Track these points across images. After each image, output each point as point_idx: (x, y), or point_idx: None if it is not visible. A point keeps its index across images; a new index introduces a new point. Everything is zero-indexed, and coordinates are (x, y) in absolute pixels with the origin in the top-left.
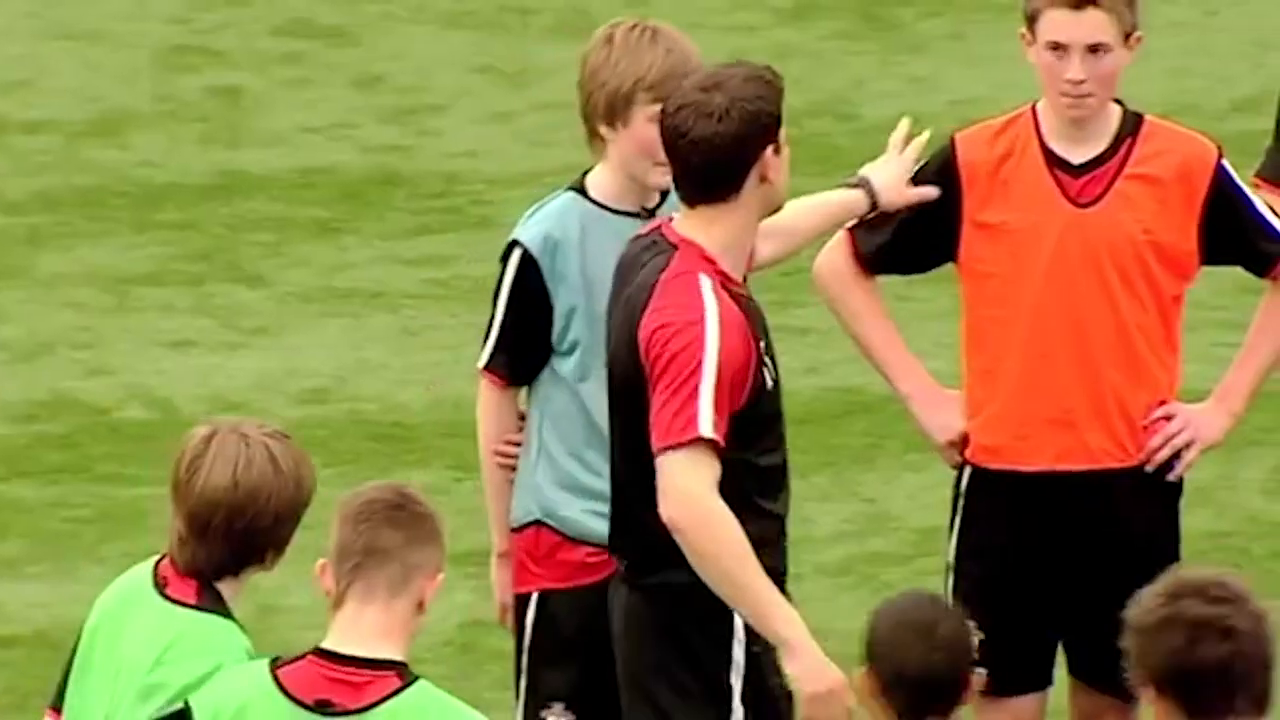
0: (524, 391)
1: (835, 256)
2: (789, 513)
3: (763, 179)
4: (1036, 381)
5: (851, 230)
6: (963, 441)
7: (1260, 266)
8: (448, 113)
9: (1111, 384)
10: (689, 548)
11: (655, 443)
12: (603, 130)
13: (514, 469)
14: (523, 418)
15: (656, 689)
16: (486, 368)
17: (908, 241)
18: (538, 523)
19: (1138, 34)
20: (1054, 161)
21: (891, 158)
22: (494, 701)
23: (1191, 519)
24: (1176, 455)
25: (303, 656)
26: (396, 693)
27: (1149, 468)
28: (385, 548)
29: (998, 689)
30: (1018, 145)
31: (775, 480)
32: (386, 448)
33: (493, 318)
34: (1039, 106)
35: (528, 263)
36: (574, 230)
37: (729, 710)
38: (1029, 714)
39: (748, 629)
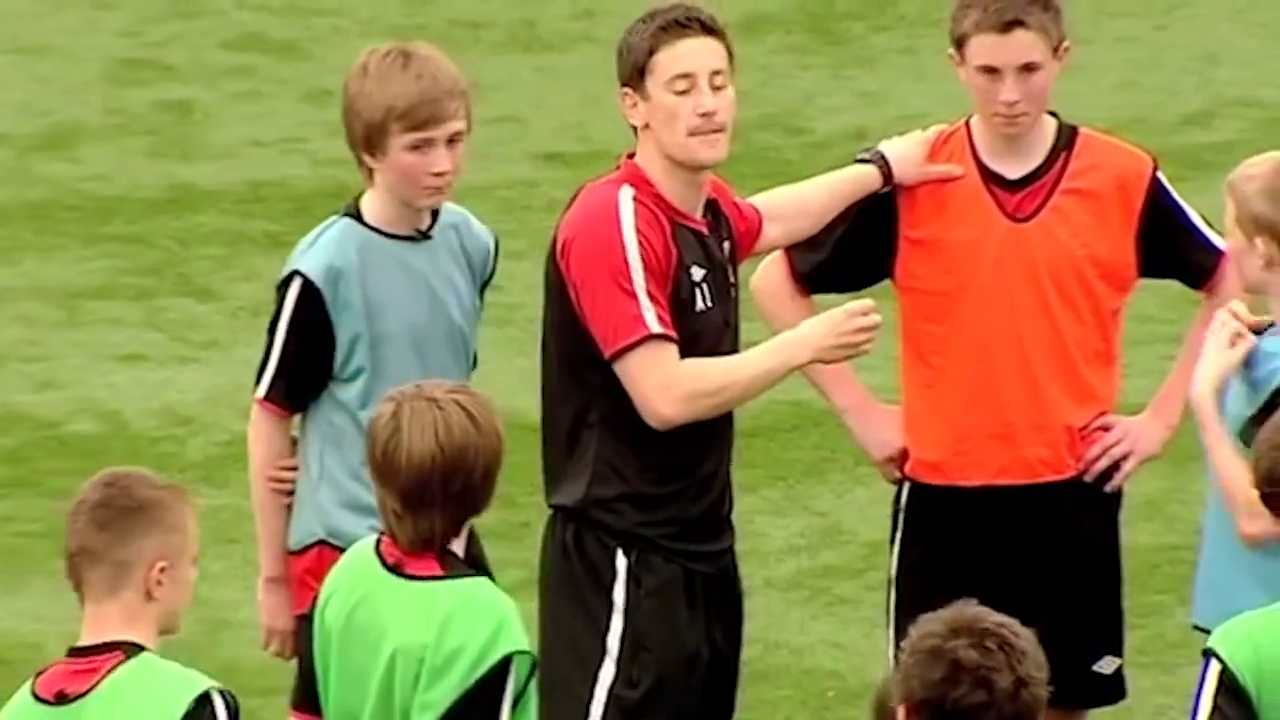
0: (296, 417)
1: (772, 275)
2: (719, 461)
3: (645, 125)
4: (976, 397)
5: (788, 249)
6: (901, 457)
7: (1196, 279)
8: None
9: (1051, 398)
10: (709, 415)
11: (606, 348)
12: (366, 159)
13: (288, 494)
14: (294, 442)
15: (555, 603)
16: (266, 398)
17: (844, 259)
18: (321, 542)
19: (1065, 44)
20: (990, 177)
21: (912, 134)
22: None
23: (1141, 533)
24: (1115, 466)
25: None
26: (116, 667)
27: (1087, 478)
28: (92, 548)
29: None
30: (953, 162)
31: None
32: None
33: (270, 347)
34: (973, 122)
35: (309, 293)
36: (353, 257)
37: (609, 617)
38: None
39: (629, 576)
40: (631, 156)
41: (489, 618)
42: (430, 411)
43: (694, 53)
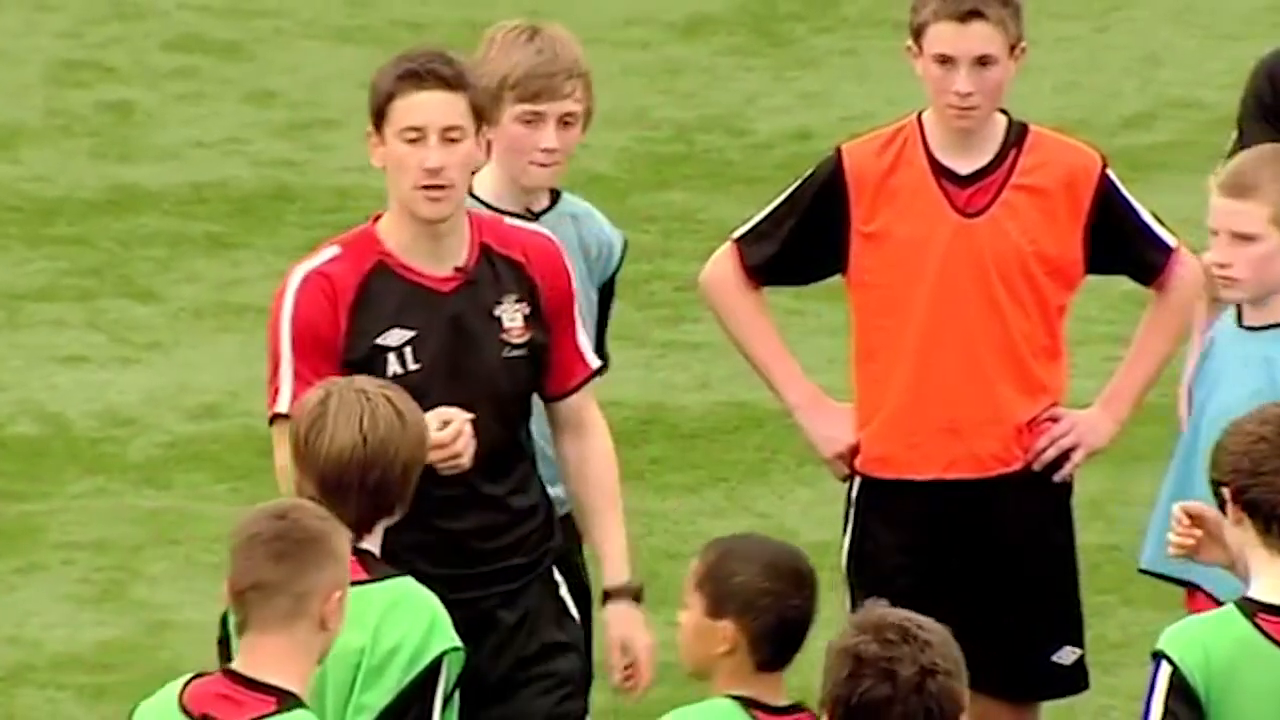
0: None
1: (722, 267)
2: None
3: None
4: (925, 391)
5: (738, 241)
6: (851, 453)
7: (1146, 275)
8: (340, 128)
9: (999, 392)
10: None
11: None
12: (483, 128)
13: None
14: None
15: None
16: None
17: (795, 253)
18: None
19: (1023, 44)
20: (941, 172)
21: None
22: None
23: (1084, 533)
24: (1064, 456)
25: (219, 673)
26: (266, 716)
27: (1035, 467)
28: (270, 582)
29: None
30: (904, 156)
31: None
32: None
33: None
34: (925, 117)
35: None
36: None
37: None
38: None
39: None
40: None
41: (421, 616)
42: (358, 402)
43: (426, 106)
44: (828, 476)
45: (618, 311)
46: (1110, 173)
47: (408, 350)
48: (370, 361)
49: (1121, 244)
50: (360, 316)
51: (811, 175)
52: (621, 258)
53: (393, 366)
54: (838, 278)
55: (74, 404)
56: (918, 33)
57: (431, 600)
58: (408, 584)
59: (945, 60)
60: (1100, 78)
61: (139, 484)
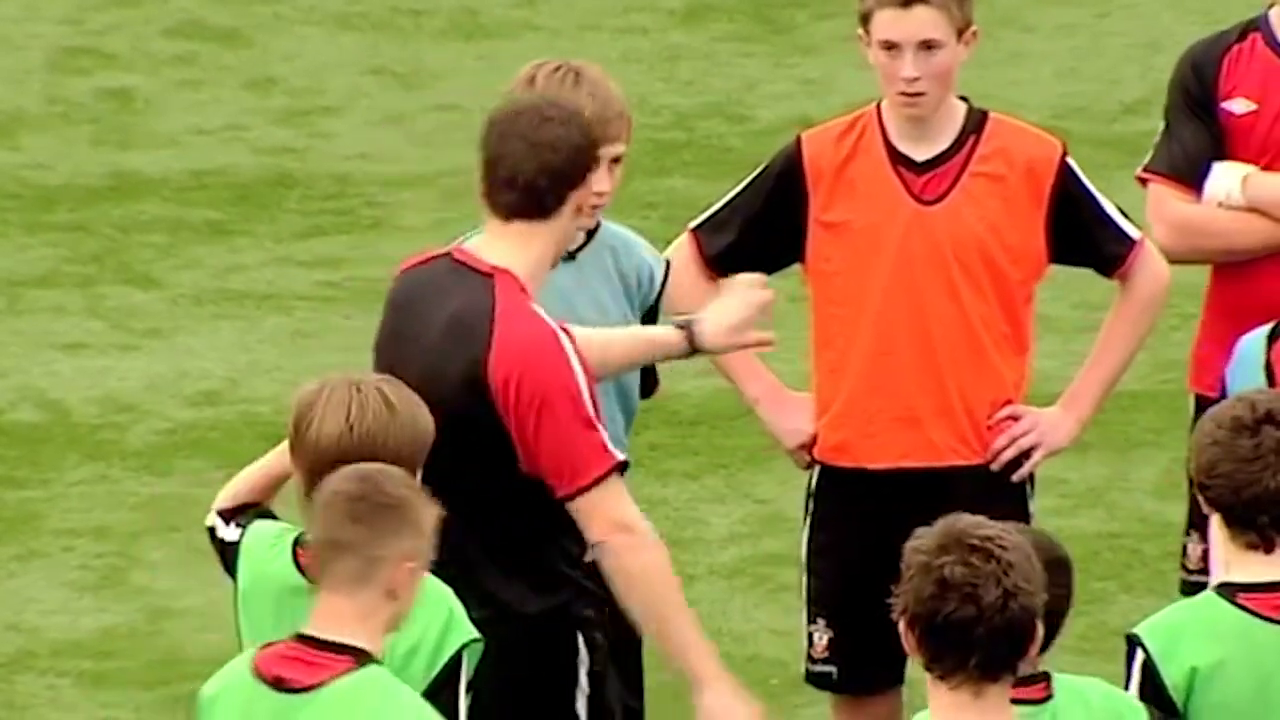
0: None
1: (680, 257)
2: None
3: (578, 208)
4: (881, 379)
5: (695, 230)
6: (812, 443)
7: (1107, 266)
8: (340, 114)
9: (956, 381)
10: (627, 573)
11: (568, 485)
12: None
13: None
14: None
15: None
16: None
17: (753, 242)
18: None
19: (973, 29)
20: (897, 159)
21: (736, 295)
22: None
23: (1083, 520)
24: (1025, 455)
25: (288, 639)
26: (343, 674)
27: (993, 466)
28: (345, 541)
29: (851, 688)
30: (862, 144)
31: None
32: None
33: None
34: (884, 105)
35: None
36: None
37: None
38: (884, 713)
39: (590, 649)
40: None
41: (439, 611)
42: (348, 393)
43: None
44: None
45: None
46: (1070, 161)
47: None
48: None
49: (1082, 234)
50: None
51: (770, 164)
52: (664, 284)
53: None
54: None
55: (74, 391)
56: (865, 19)
57: (446, 594)
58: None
59: (890, 46)
60: (1100, 64)
61: (139, 470)
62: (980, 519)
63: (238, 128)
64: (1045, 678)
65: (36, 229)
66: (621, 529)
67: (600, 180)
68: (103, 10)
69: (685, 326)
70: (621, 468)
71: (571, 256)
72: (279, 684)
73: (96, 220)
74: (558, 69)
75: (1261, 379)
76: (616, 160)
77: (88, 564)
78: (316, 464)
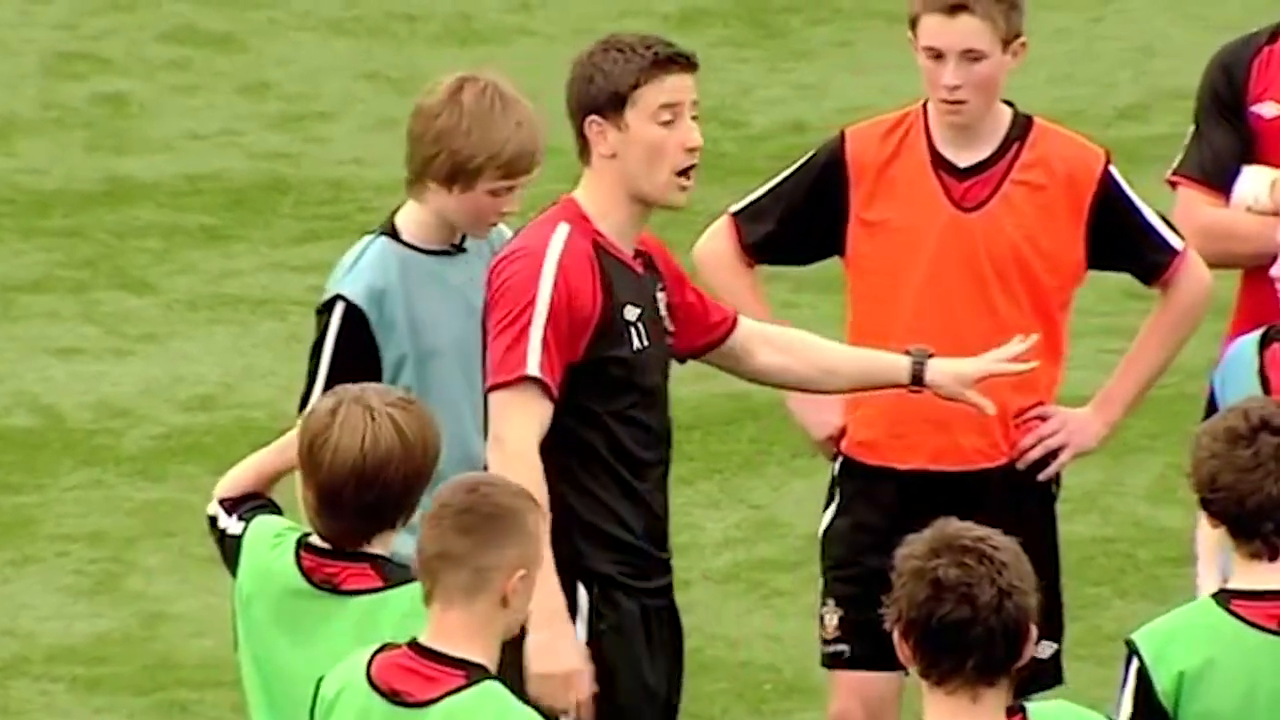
0: None
1: (718, 244)
2: (657, 489)
3: (611, 154)
4: None
5: (735, 216)
6: (840, 436)
7: (1147, 274)
8: (335, 119)
9: (987, 386)
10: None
11: (487, 380)
12: (433, 186)
13: None
14: None
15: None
16: None
17: (793, 233)
18: None
19: (1021, 39)
20: (939, 163)
21: (982, 359)
22: None
23: (1078, 525)
24: (1052, 455)
25: (404, 646)
26: (458, 690)
27: (1019, 465)
28: (455, 553)
29: (866, 665)
30: (906, 143)
31: (631, 444)
32: None
33: (314, 372)
34: (929, 106)
35: (353, 316)
36: (395, 277)
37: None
38: (886, 690)
39: (592, 607)
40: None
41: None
42: (363, 419)
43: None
44: (821, 469)
45: None
46: (1113, 170)
47: (639, 328)
48: (620, 333)
49: (1124, 243)
50: (613, 287)
51: (814, 156)
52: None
53: (636, 341)
54: (833, 270)
55: (68, 396)
56: (912, 24)
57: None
58: (418, 589)
59: (934, 53)
60: (1095, 69)
61: (133, 476)
62: (968, 523)
63: (232, 133)
64: (1020, 710)
65: (31, 234)
66: (495, 440)
67: (512, 201)
68: (98, 15)
69: (917, 357)
70: (535, 385)
71: (460, 249)
72: (395, 697)
73: (91, 225)
74: (484, 90)
75: (1255, 384)
76: (510, 189)
77: (82, 569)
78: (327, 484)
